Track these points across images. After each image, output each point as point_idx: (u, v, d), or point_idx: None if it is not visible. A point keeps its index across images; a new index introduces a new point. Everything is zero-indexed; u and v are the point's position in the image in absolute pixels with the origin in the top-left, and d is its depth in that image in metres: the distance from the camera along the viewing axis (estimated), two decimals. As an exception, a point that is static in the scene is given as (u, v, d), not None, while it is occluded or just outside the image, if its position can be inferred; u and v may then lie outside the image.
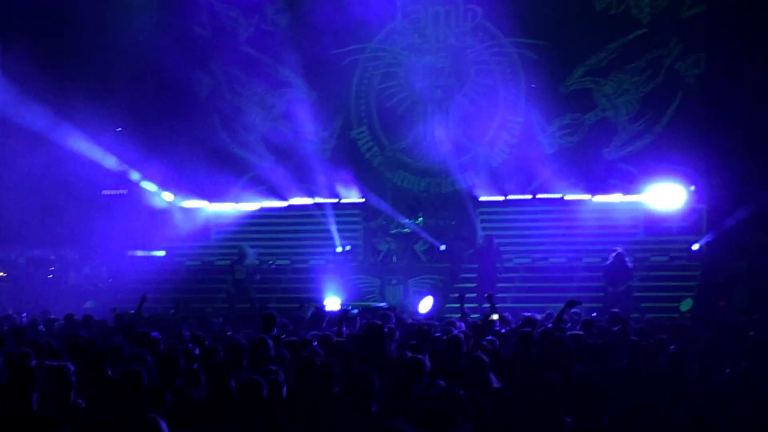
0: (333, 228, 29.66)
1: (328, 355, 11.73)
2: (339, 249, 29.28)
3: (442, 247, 28.66)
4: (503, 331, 15.46)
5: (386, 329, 13.81)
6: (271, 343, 12.13)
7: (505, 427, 10.07)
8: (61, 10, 29.76)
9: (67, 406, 9.86)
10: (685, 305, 24.65)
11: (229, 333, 15.85)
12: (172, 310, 19.95)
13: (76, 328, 17.21)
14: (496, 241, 26.24)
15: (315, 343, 12.83)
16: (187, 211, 31.39)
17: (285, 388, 10.15)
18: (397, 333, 14.37)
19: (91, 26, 30.06)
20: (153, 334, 13.58)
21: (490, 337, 13.94)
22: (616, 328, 15.98)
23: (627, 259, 24.69)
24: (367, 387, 9.41)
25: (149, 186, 31.21)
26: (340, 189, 30.52)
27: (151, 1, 30.17)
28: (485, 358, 11.39)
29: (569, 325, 16.41)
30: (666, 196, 28.28)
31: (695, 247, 27.25)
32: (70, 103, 29.16)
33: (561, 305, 15.91)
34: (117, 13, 30.35)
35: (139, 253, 30.50)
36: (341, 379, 10.34)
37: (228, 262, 27.62)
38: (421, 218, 29.15)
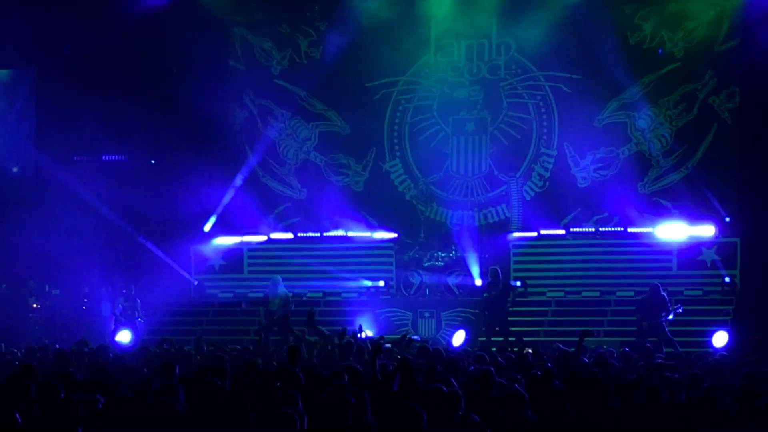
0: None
1: (361, 388, 11.68)
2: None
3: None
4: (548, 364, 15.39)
5: (421, 362, 13.82)
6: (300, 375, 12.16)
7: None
8: (95, 39, 30.13)
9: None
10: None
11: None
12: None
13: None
14: (505, 277, 26.23)
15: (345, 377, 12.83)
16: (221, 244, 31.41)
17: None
18: (438, 367, 14.33)
19: (125, 58, 30.39)
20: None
21: (538, 372, 13.87)
22: (642, 362, 15.93)
23: (663, 293, 24.52)
24: (416, 424, 9.37)
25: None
26: (373, 222, 30.53)
27: (184, 34, 30.21)
28: (524, 392, 11.32)
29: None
30: (699, 230, 28.27)
31: (727, 279, 27.28)
32: (99, 136, 29.53)
33: (595, 339, 15.85)
34: (151, 45, 30.54)
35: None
36: (381, 412, 10.31)
37: (261, 294, 27.64)
38: (454, 252, 29.07)
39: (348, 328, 21.18)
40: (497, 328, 25.36)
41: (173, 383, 12.46)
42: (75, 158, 30.96)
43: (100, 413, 10.02)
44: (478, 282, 27.94)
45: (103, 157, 31.35)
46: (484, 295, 26.27)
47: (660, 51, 28.96)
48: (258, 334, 26.33)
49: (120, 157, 31.15)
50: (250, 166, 31.35)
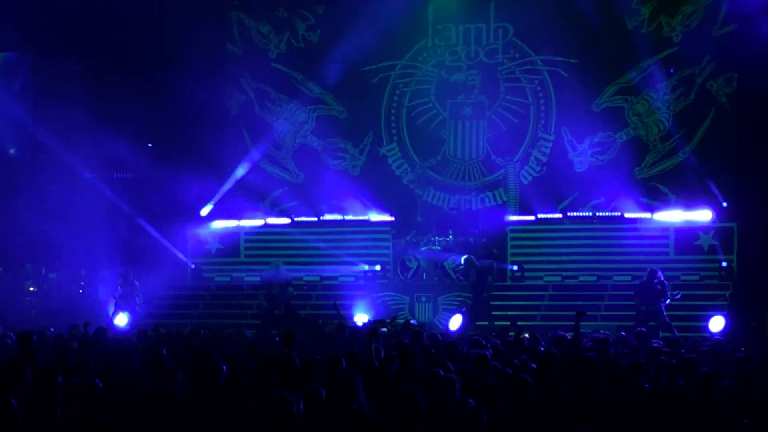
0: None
1: (356, 372, 11.68)
2: None
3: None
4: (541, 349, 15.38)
5: (418, 347, 13.82)
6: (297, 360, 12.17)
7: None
8: (91, 25, 30.14)
9: (95, 421, 9.88)
10: None
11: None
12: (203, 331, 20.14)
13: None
14: (479, 263, 26.35)
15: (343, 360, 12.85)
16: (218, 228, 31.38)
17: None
18: (433, 351, 14.34)
19: (122, 41, 30.38)
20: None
21: (524, 357, 13.88)
22: (642, 350, 15.96)
23: (662, 277, 24.52)
24: (413, 407, 9.36)
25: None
26: (370, 205, 30.51)
27: (182, 18, 30.13)
28: (528, 378, 11.30)
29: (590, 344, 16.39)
30: (696, 215, 28.27)
31: (724, 264, 27.32)
32: (96, 120, 29.47)
33: (592, 324, 15.86)
34: (148, 29, 30.51)
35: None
36: (378, 397, 10.30)
37: (258, 278, 27.68)
38: (451, 236, 29.05)
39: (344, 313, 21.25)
40: (479, 315, 25.51)
41: (167, 366, 12.47)
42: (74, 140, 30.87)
43: (99, 396, 10.02)
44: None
45: (100, 140, 31.29)
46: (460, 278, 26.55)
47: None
48: (258, 317, 26.46)
49: (117, 140, 31.06)
50: (248, 150, 31.31)
